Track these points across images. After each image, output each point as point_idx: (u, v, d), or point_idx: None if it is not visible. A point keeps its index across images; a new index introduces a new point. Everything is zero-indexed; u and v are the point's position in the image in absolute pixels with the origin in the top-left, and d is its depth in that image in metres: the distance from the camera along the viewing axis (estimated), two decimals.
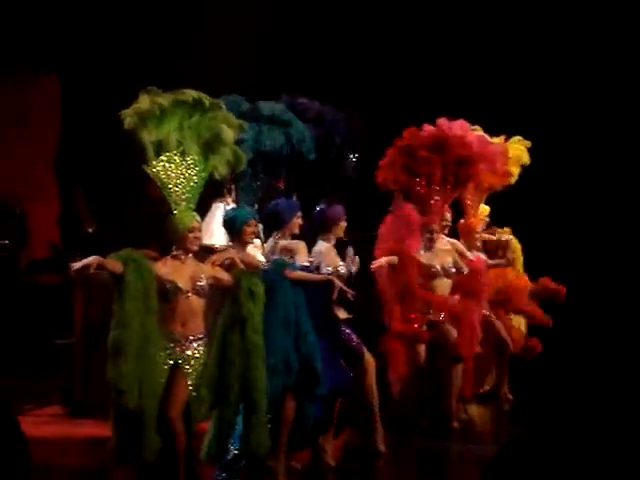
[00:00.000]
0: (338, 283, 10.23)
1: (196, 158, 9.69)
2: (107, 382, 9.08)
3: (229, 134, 9.78)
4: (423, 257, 12.18)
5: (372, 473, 11.00)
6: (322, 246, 10.95)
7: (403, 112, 12.93)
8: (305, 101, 11.15)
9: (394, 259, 11.95)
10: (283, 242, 10.52)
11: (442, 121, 12.35)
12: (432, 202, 12.22)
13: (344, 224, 11.08)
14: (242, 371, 9.54)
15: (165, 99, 9.61)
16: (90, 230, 14.14)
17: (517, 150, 13.45)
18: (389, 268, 11.97)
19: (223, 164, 9.85)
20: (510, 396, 13.47)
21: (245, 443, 9.60)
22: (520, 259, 13.82)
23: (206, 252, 9.83)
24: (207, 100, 9.73)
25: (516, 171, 13.55)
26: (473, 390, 12.96)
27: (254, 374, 9.55)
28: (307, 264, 10.44)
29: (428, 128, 12.36)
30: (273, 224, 10.61)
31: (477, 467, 10.23)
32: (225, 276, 9.57)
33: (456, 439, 12.09)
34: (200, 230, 9.71)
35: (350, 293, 10.44)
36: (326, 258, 10.85)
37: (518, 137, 13.54)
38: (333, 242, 11.03)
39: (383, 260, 11.91)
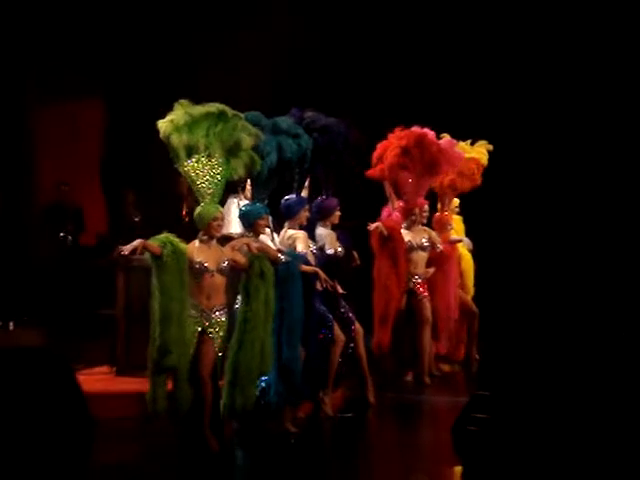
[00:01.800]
0: (322, 275, 10.38)
1: (220, 160, 9.73)
2: (153, 344, 9.27)
3: (247, 141, 9.84)
4: (404, 234, 12.21)
5: (363, 421, 11.00)
6: (323, 231, 11.07)
7: (385, 122, 12.78)
8: (312, 114, 11.14)
9: (382, 228, 12.00)
10: (290, 232, 10.54)
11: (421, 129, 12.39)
12: (413, 192, 12.31)
13: (338, 213, 11.18)
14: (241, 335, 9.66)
15: (195, 110, 9.68)
16: (136, 219, 14.19)
17: (479, 153, 13.37)
18: (381, 238, 12.04)
19: (242, 166, 9.90)
20: (477, 357, 13.43)
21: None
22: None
23: (224, 239, 9.86)
24: (229, 112, 9.76)
25: (478, 172, 13.42)
26: (449, 350, 12.95)
27: (250, 336, 9.63)
28: (305, 252, 10.48)
29: (413, 131, 12.39)
30: (285, 216, 10.63)
31: (450, 416, 10.23)
32: (242, 259, 9.62)
33: (431, 392, 12.12)
34: (222, 219, 9.79)
35: (329, 282, 10.55)
36: (328, 242, 10.93)
37: (482, 141, 13.41)
38: (330, 228, 11.08)
39: (377, 224, 12.05)
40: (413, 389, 12.17)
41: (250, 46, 15.13)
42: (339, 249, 11.05)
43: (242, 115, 9.93)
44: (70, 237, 15.77)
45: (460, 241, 13.15)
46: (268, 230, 10.27)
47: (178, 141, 9.62)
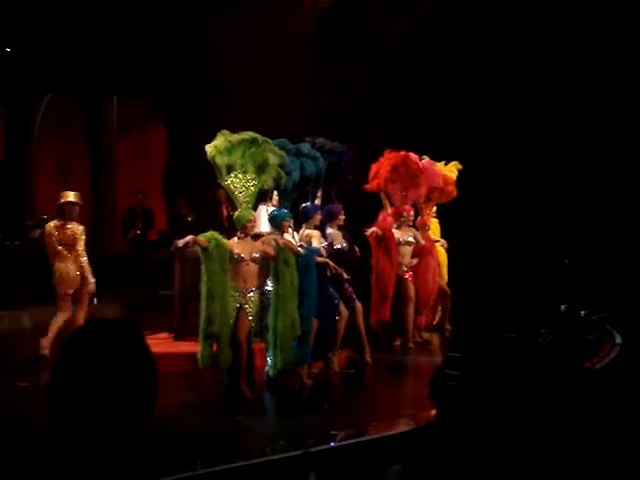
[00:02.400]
0: (331, 264, 10.48)
1: (252, 175, 9.84)
2: (201, 316, 9.41)
3: (274, 160, 9.96)
4: (394, 232, 12.23)
5: (362, 376, 11.04)
6: (331, 230, 11.07)
7: (379, 146, 12.77)
8: (321, 140, 11.22)
9: (379, 231, 12.05)
10: (307, 231, 10.62)
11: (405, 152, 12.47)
12: (402, 200, 12.37)
13: (342, 217, 11.22)
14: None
15: (233, 137, 9.80)
16: (189, 219, 14.23)
17: (450, 171, 13.34)
18: (377, 237, 12.08)
19: (270, 180, 10.02)
20: (449, 327, 13.43)
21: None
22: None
23: (256, 236, 9.92)
24: (259, 138, 9.89)
25: (449, 186, 13.40)
26: (427, 321, 12.98)
27: (283, 309, 9.72)
28: (319, 247, 10.53)
29: (400, 154, 12.44)
30: (303, 219, 10.69)
31: (428, 373, 10.25)
32: (271, 251, 9.72)
33: (414, 354, 12.16)
34: (255, 221, 9.90)
35: (337, 270, 10.61)
36: (335, 239, 10.99)
37: (454, 162, 13.41)
38: (336, 228, 11.16)
39: (373, 229, 12.06)
40: (400, 352, 12.17)
41: (276, 89, 15.12)
42: (344, 245, 11.10)
43: (270, 140, 10.03)
44: (140, 233, 15.90)
45: (438, 241, 13.17)
46: (290, 230, 10.34)
47: (220, 161, 9.76)
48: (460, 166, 13.30)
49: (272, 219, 10.25)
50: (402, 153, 12.42)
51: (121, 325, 2.37)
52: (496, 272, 14.84)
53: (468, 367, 8.84)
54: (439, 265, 13.13)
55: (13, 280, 14.14)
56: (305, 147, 10.93)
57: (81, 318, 11.06)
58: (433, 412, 9.43)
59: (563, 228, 15.41)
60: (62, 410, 2.18)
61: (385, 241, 12.14)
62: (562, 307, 14.62)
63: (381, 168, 12.39)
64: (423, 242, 12.55)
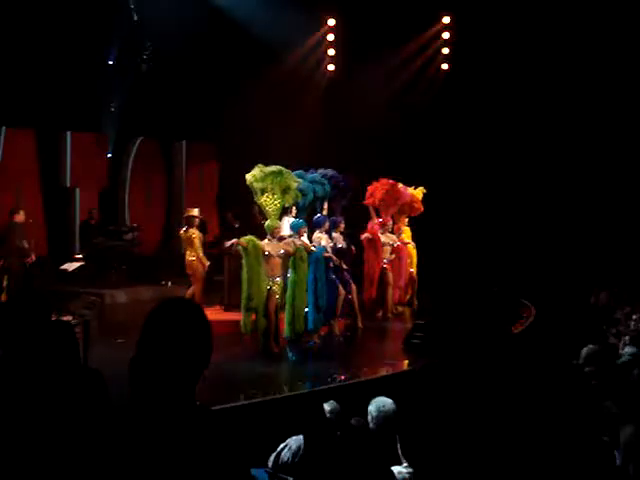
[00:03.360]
0: (334, 258, 10.50)
1: (278, 196, 9.78)
2: (243, 295, 9.47)
3: (294, 185, 9.95)
4: (380, 236, 12.17)
5: (355, 337, 10.96)
6: (335, 235, 10.98)
7: (367, 172, 12.68)
8: (329, 171, 11.28)
9: (370, 236, 12.01)
10: (318, 235, 10.60)
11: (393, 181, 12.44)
12: (386, 214, 12.32)
13: (343, 225, 11.19)
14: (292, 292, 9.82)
15: (266, 169, 9.78)
16: (236, 226, 14.23)
17: (417, 194, 13.22)
18: (368, 240, 12.06)
19: (291, 199, 10.02)
20: (416, 302, 13.35)
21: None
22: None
23: (281, 238, 9.91)
24: (284, 170, 9.86)
25: (419, 205, 13.20)
26: (400, 299, 12.92)
27: (297, 292, 9.81)
28: (326, 245, 10.50)
29: (386, 181, 12.37)
30: (315, 226, 10.68)
31: (402, 335, 10.26)
32: (290, 249, 9.72)
33: (392, 321, 12.14)
34: (280, 228, 9.93)
35: (338, 262, 10.63)
36: (338, 240, 10.96)
37: (421, 187, 13.33)
38: (339, 233, 11.12)
39: (367, 234, 12.01)
40: (382, 320, 12.14)
41: (297, 134, 15.05)
42: (344, 245, 11.09)
43: (291, 172, 10.03)
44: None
45: (409, 243, 13.10)
46: (305, 234, 10.34)
47: (256, 186, 9.77)
48: (425, 190, 13.22)
49: (293, 227, 10.26)
50: (391, 181, 12.34)
51: (188, 302, 2.40)
52: (450, 264, 14.77)
53: (431, 330, 8.80)
54: (410, 259, 13.07)
55: (112, 268, 14.18)
56: (316, 176, 10.98)
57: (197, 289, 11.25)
58: (405, 361, 9.45)
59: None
60: (146, 361, 2.22)
61: (373, 243, 12.08)
62: (495, 289, 14.61)
63: (376, 190, 12.25)
64: (398, 243, 12.54)
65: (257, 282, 9.45)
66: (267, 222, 9.79)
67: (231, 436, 2.22)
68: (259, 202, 9.92)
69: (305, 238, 10.31)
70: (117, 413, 2.26)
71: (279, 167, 9.89)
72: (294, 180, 10.01)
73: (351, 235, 11.71)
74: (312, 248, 10.11)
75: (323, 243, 10.55)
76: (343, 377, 8.21)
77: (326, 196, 11.16)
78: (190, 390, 2.23)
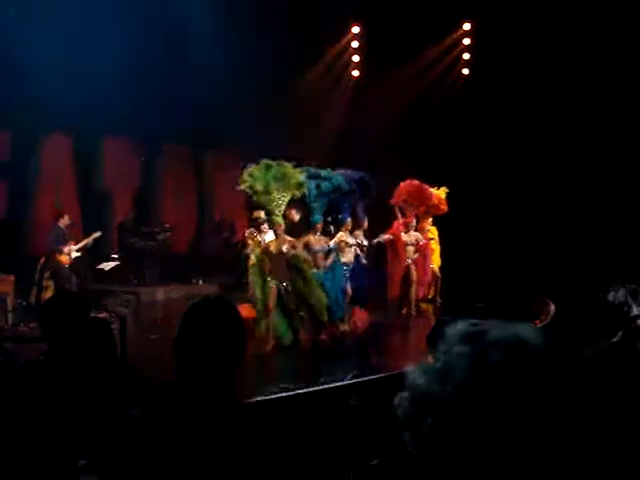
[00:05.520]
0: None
1: (282, 189, 9.36)
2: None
3: (290, 170, 9.38)
4: (403, 236, 12.17)
5: (382, 332, 10.93)
6: (359, 233, 11.00)
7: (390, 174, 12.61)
8: (345, 171, 10.90)
9: (390, 237, 12.01)
10: (341, 234, 10.58)
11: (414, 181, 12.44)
12: (410, 214, 12.31)
13: (366, 224, 11.15)
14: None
15: (259, 167, 9.33)
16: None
17: (440, 193, 13.17)
18: (390, 241, 12.04)
19: (296, 190, 9.51)
20: (440, 300, 13.33)
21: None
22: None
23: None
24: (272, 162, 9.37)
25: (442, 203, 13.13)
26: (424, 296, 12.90)
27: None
28: (353, 242, 10.57)
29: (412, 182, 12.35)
30: (340, 224, 10.69)
31: (426, 331, 10.22)
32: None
33: (416, 318, 12.12)
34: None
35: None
36: (358, 238, 10.94)
37: (443, 187, 13.29)
38: (361, 231, 11.09)
39: (388, 236, 11.98)
40: (406, 317, 12.13)
41: (324, 134, 15.02)
42: (365, 242, 11.16)
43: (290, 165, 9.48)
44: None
45: (433, 239, 13.06)
46: (319, 230, 10.14)
47: (258, 187, 9.33)
48: (447, 190, 13.17)
49: (310, 222, 10.08)
50: (417, 182, 12.34)
51: (220, 299, 2.43)
52: (473, 263, 14.63)
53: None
54: (433, 257, 13.05)
55: (147, 267, 14.30)
56: (323, 172, 10.27)
57: None
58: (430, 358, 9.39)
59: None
60: (186, 355, 2.25)
61: (394, 243, 12.08)
62: (515, 285, 14.46)
63: (402, 189, 12.26)
64: (422, 242, 12.47)
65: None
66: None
67: (266, 430, 2.25)
68: (263, 202, 9.41)
69: (320, 233, 10.13)
70: (156, 402, 2.29)
71: (267, 161, 9.31)
72: (287, 165, 9.38)
73: (375, 235, 11.71)
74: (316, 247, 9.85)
75: (350, 241, 10.57)
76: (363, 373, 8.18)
77: (339, 192, 10.55)
78: (227, 383, 2.26)
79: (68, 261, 11.48)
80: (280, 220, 9.33)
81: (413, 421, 1.03)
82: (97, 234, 11.99)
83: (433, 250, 13.01)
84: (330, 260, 10.12)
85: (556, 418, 0.97)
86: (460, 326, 1.08)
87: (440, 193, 13.08)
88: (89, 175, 15.15)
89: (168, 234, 15.04)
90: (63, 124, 13.79)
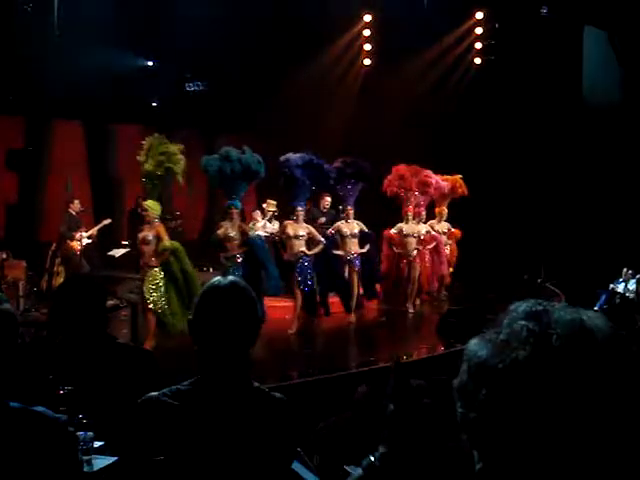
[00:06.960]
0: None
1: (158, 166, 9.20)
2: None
3: (172, 148, 9.29)
4: (404, 228, 11.58)
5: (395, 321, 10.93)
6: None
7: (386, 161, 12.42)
8: (349, 159, 10.82)
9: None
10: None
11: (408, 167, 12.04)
12: (408, 203, 11.73)
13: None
14: None
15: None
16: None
17: (453, 180, 12.90)
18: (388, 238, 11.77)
19: (177, 167, 9.39)
20: (446, 293, 13.01)
21: None
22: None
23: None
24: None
25: (462, 189, 12.95)
26: (429, 289, 12.43)
27: None
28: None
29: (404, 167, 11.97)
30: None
31: (434, 321, 10.23)
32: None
33: (426, 309, 12.05)
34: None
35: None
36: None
37: (459, 175, 13.11)
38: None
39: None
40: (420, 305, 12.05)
41: (331, 124, 14.95)
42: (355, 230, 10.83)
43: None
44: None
45: (446, 232, 12.75)
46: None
47: (147, 166, 9.50)
48: (460, 176, 12.99)
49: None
50: (411, 166, 11.88)
51: (237, 282, 2.40)
52: (488, 253, 14.50)
53: (461, 317, 8.69)
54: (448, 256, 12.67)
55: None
56: (233, 153, 9.89)
57: None
58: (441, 343, 9.32)
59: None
60: (201, 335, 2.28)
61: (390, 240, 11.71)
62: (525, 276, 14.45)
63: (394, 176, 11.84)
64: (423, 234, 11.76)
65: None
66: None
67: (283, 415, 2.28)
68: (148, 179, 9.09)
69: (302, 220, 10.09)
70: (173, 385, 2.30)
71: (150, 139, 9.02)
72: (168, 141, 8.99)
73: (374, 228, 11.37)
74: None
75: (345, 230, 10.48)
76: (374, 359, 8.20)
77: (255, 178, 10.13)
78: (242, 365, 2.28)
79: (79, 247, 11.52)
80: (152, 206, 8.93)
81: (467, 391, 1.05)
82: (107, 221, 12.04)
83: (443, 244, 12.54)
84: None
85: (612, 404, 1.00)
86: (526, 302, 1.10)
87: (451, 179, 12.90)
88: (101, 162, 15.16)
89: (179, 221, 15.02)
90: (75, 111, 13.82)
